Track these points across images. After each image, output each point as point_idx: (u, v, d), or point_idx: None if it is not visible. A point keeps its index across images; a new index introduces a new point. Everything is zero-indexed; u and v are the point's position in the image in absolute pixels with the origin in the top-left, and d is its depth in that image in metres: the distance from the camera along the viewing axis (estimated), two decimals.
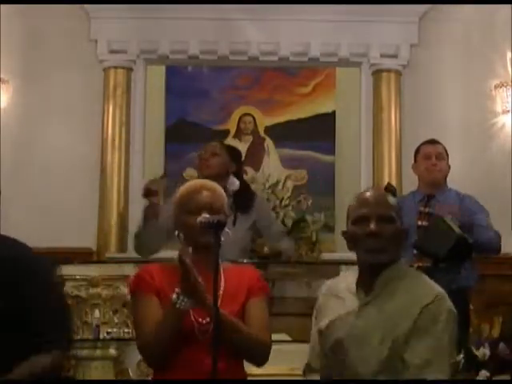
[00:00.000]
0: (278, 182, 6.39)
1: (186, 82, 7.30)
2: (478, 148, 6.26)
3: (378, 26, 6.31)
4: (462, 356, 3.89)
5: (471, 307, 4.75)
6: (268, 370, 2.91)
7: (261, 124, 7.45)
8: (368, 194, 2.66)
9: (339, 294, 2.68)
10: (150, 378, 3.02)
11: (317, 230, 5.93)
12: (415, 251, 4.52)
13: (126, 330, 3.94)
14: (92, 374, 3.79)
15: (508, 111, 6.21)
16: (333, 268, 4.86)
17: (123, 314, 3.99)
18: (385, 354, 2.49)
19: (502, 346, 4.52)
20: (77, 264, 4.14)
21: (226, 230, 2.69)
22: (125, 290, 4.04)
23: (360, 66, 6.50)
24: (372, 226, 2.56)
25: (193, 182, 3.00)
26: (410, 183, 5.28)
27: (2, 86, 6.22)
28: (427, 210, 4.68)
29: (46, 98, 6.32)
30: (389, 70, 6.39)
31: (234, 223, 4.47)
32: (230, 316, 2.70)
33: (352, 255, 2.68)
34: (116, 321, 3.97)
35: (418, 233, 4.58)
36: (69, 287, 3.99)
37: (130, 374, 3.88)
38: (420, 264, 4.36)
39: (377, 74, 6.42)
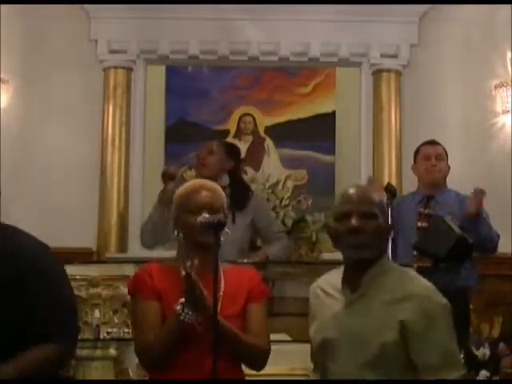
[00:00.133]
0: (278, 182, 6.38)
1: (186, 82, 7.29)
2: (478, 148, 6.25)
3: (378, 25, 6.30)
4: (462, 356, 3.89)
5: (471, 307, 4.76)
6: (268, 370, 2.91)
7: (261, 124, 7.44)
8: (351, 191, 2.66)
9: (328, 291, 2.69)
10: (147, 379, 3.01)
11: (317, 230, 5.92)
12: (415, 251, 4.53)
13: (125, 330, 3.93)
14: (92, 374, 3.79)
15: (508, 111, 6.21)
16: (333, 268, 4.86)
17: (123, 314, 3.98)
18: (373, 351, 2.49)
19: (501, 345, 4.52)
20: (77, 264, 4.13)
21: (226, 229, 2.70)
22: (125, 290, 4.03)
23: (360, 66, 6.50)
24: (353, 221, 2.56)
25: (192, 181, 3.01)
26: (410, 183, 5.29)
27: (2, 85, 6.22)
28: (427, 211, 4.69)
29: (46, 98, 6.32)
30: (389, 70, 6.39)
31: (234, 221, 4.48)
32: (228, 324, 2.70)
33: None
34: (116, 321, 3.97)
35: (418, 234, 4.58)
36: None
37: (130, 374, 3.88)
38: (420, 264, 4.36)
39: (377, 73, 6.42)
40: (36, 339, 2.43)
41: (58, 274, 2.56)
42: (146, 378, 3.05)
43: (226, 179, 4.72)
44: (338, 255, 2.69)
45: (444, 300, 2.59)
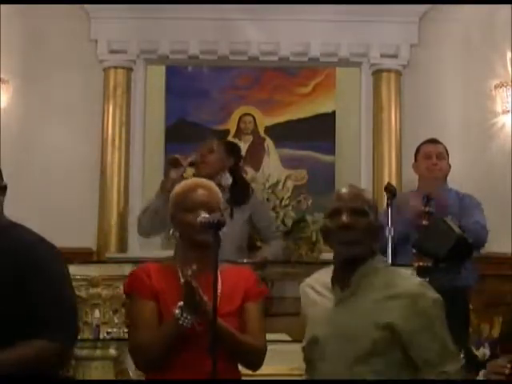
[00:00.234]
0: (278, 182, 6.38)
1: (186, 82, 7.30)
2: (478, 148, 6.25)
3: (378, 25, 6.30)
4: (462, 356, 3.89)
5: (471, 307, 4.76)
6: (268, 370, 2.91)
7: (261, 124, 7.45)
8: (343, 189, 2.71)
9: (318, 289, 2.70)
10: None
11: (317, 230, 5.91)
12: (415, 251, 4.53)
13: (125, 330, 3.93)
14: (92, 374, 3.79)
15: (508, 111, 6.20)
16: None
17: (123, 314, 3.98)
18: (364, 348, 2.50)
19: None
20: (77, 264, 4.13)
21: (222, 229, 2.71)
22: None
23: (360, 66, 6.49)
24: (344, 218, 2.59)
25: (188, 180, 3.02)
26: (410, 183, 5.29)
27: (2, 85, 6.21)
28: (427, 209, 4.69)
29: (46, 98, 6.31)
30: (389, 70, 6.39)
31: (232, 216, 4.50)
32: (225, 324, 2.70)
33: None
34: (116, 321, 3.97)
35: (418, 233, 4.58)
36: None
37: (130, 374, 3.87)
38: (420, 264, 4.36)
39: (377, 73, 6.41)
40: (35, 337, 2.43)
41: (60, 274, 2.56)
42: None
43: (227, 178, 4.72)
44: None
45: (436, 295, 2.62)
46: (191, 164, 4.67)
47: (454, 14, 6.34)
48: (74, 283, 2.72)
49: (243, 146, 7.19)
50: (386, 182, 5.32)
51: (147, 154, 6.54)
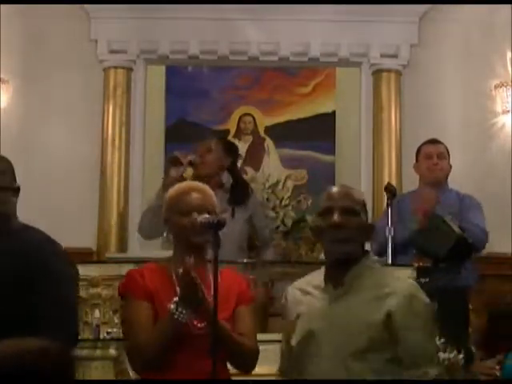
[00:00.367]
0: (278, 182, 6.38)
1: (186, 82, 7.30)
2: (478, 148, 6.25)
3: (378, 25, 6.30)
4: (462, 356, 3.90)
5: (471, 307, 4.75)
6: (267, 369, 2.91)
7: (261, 124, 7.45)
8: (334, 189, 2.73)
9: (308, 290, 2.71)
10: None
11: None
12: (415, 251, 4.53)
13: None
14: (92, 374, 3.79)
15: (508, 111, 6.21)
16: None
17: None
18: (360, 345, 2.51)
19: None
20: (77, 264, 4.13)
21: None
22: None
23: (360, 66, 6.49)
24: (335, 217, 2.61)
25: (183, 183, 3.04)
26: (410, 183, 5.29)
27: (2, 85, 6.21)
28: None
29: (46, 98, 6.31)
30: (389, 70, 6.39)
31: (233, 215, 4.49)
32: (224, 324, 2.70)
33: None
34: (116, 321, 3.96)
35: (418, 233, 4.58)
36: None
37: (130, 374, 3.87)
38: (420, 264, 4.36)
39: (377, 73, 6.41)
40: (36, 336, 2.43)
41: (66, 275, 2.56)
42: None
43: (226, 177, 4.71)
44: None
45: (428, 300, 2.64)
46: (191, 163, 4.66)
47: (453, 13, 6.34)
48: None
49: (243, 146, 7.20)
50: (385, 182, 5.32)
51: (147, 154, 6.54)
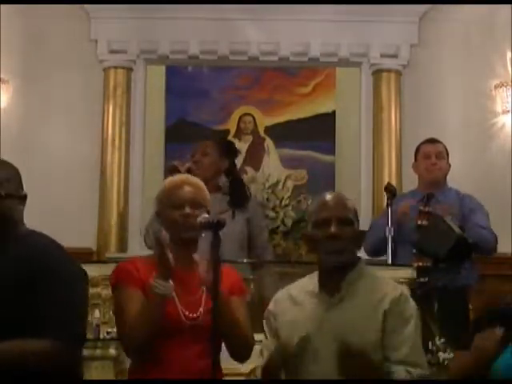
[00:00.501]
0: (278, 182, 6.39)
1: (186, 82, 7.30)
2: (478, 148, 6.25)
3: (378, 25, 6.30)
4: None
5: (471, 307, 4.75)
6: None
7: (261, 124, 7.45)
8: (328, 197, 2.74)
9: (296, 299, 2.70)
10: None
11: None
12: (415, 251, 4.53)
13: None
14: (92, 374, 3.79)
15: (508, 111, 6.21)
16: None
17: None
18: (359, 349, 2.52)
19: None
20: None
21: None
22: None
23: (360, 66, 6.49)
24: (332, 228, 2.64)
25: (175, 177, 3.03)
26: (410, 183, 5.29)
27: (2, 85, 6.22)
28: (427, 209, 4.68)
29: (46, 98, 6.32)
30: (389, 70, 6.39)
31: (234, 217, 4.48)
32: (232, 306, 2.71)
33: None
34: None
35: (418, 233, 4.58)
36: None
37: None
38: (420, 264, 4.36)
39: (377, 73, 6.41)
40: (40, 337, 2.44)
41: (72, 277, 2.56)
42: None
43: (223, 181, 4.69)
44: None
45: (415, 304, 2.68)
46: (189, 170, 4.62)
47: (454, 13, 6.35)
48: None
49: (243, 146, 7.20)
50: (385, 182, 5.32)
51: (147, 154, 6.54)
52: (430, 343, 3.68)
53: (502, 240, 4.84)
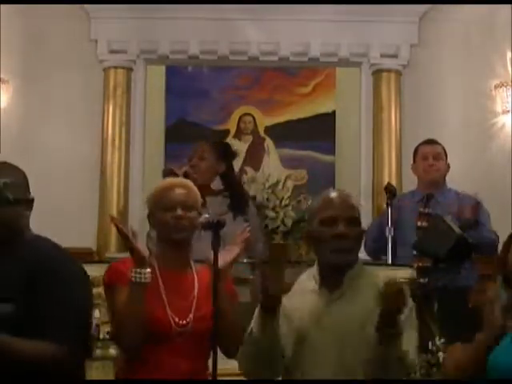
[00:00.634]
0: (278, 182, 6.37)
1: (186, 82, 7.30)
2: (478, 148, 6.25)
3: (378, 25, 6.30)
4: None
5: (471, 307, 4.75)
6: None
7: (261, 124, 7.45)
8: (333, 195, 2.72)
9: (295, 295, 2.69)
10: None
11: None
12: (415, 251, 4.52)
13: None
14: (92, 374, 3.78)
15: (508, 111, 6.21)
16: None
17: None
18: (361, 344, 2.52)
19: None
20: None
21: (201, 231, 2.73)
22: None
23: (360, 66, 6.50)
24: (341, 227, 2.63)
25: (167, 179, 3.05)
26: (410, 183, 5.29)
27: (2, 85, 6.22)
28: (427, 210, 4.68)
29: (46, 98, 6.32)
30: (389, 70, 6.39)
31: (234, 219, 4.48)
32: (227, 297, 2.71)
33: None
34: None
35: (418, 233, 4.58)
36: None
37: None
38: (420, 264, 4.36)
39: (377, 73, 6.41)
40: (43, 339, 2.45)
41: (74, 279, 2.57)
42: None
43: (218, 183, 4.66)
44: None
45: (411, 300, 2.66)
46: (185, 174, 4.60)
47: (454, 13, 6.35)
48: None
49: (243, 146, 7.20)
50: (385, 182, 5.32)
51: (147, 154, 6.55)
52: (429, 343, 3.67)
53: (502, 240, 4.83)
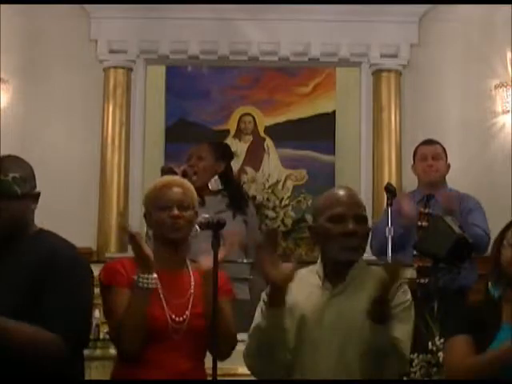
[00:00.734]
0: (278, 182, 6.40)
1: (186, 82, 7.30)
2: (478, 148, 6.25)
3: (378, 25, 6.30)
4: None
5: None
6: None
7: (261, 124, 7.45)
8: (342, 192, 2.72)
9: (298, 289, 2.69)
10: None
11: None
12: (415, 251, 4.52)
13: None
14: (92, 374, 3.79)
15: (508, 111, 6.21)
16: None
17: None
18: (362, 338, 2.53)
19: None
20: None
21: (196, 227, 2.73)
22: None
23: (360, 66, 6.49)
24: (350, 225, 2.63)
25: (163, 178, 3.05)
26: (410, 183, 5.29)
27: (2, 85, 6.22)
28: (427, 210, 4.68)
29: (46, 97, 6.32)
30: (389, 70, 6.39)
31: (234, 217, 4.49)
32: (221, 304, 2.71)
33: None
34: None
35: (418, 233, 4.58)
36: None
37: None
38: (420, 264, 4.36)
39: (377, 73, 6.41)
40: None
41: (79, 277, 2.57)
42: None
43: (217, 183, 4.66)
44: None
45: (410, 295, 2.69)
46: (184, 174, 4.60)
47: (454, 13, 6.35)
48: None
49: (243, 146, 7.20)
50: (385, 182, 5.32)
51: (147, 153, 6.54)
52: (429, 343, 3.68)
53: None
